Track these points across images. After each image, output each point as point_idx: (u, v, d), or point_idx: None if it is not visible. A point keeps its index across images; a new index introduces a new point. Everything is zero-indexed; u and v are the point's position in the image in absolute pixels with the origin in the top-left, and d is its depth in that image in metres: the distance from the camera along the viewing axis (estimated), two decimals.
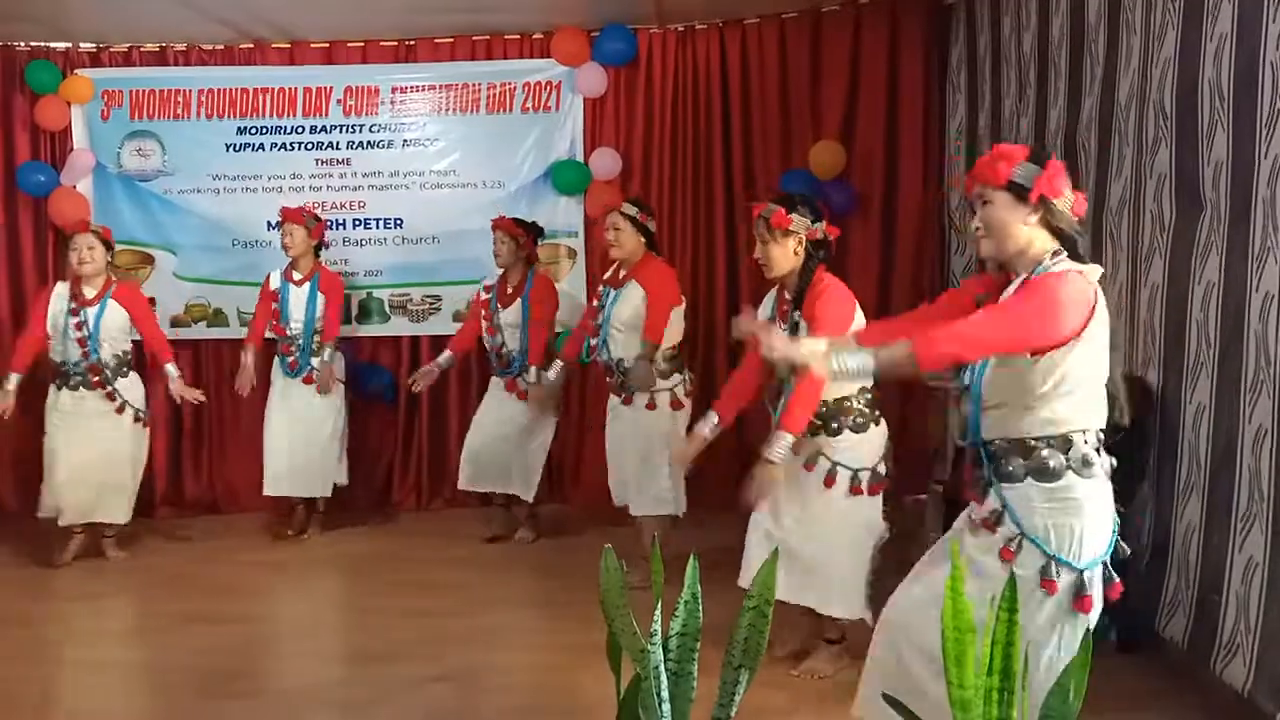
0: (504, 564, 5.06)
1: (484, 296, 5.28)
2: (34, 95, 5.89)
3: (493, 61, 6.01)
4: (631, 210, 4.49)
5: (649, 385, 4.39)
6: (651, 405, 4.41)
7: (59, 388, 4.99)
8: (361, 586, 4.87)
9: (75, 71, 5.91)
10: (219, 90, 5.96)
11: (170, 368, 5.10)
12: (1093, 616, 2.30)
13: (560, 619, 4.16)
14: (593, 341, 4.59)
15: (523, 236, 5.19)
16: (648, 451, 4.45)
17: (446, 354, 5.37)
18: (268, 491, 5.45)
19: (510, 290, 5.20)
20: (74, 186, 5.90)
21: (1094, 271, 2.30)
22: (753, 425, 5.74)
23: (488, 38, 6.00)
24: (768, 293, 3.63)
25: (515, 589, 4.76)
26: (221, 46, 5.98)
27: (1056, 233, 2.31)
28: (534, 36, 5.97)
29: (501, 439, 5.19)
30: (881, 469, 3.42)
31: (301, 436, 5.38)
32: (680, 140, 5.92)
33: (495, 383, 5.33)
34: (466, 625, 4.23)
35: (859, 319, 3.34)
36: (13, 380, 4.90)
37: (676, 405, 4.49)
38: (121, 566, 5.11)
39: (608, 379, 4.58)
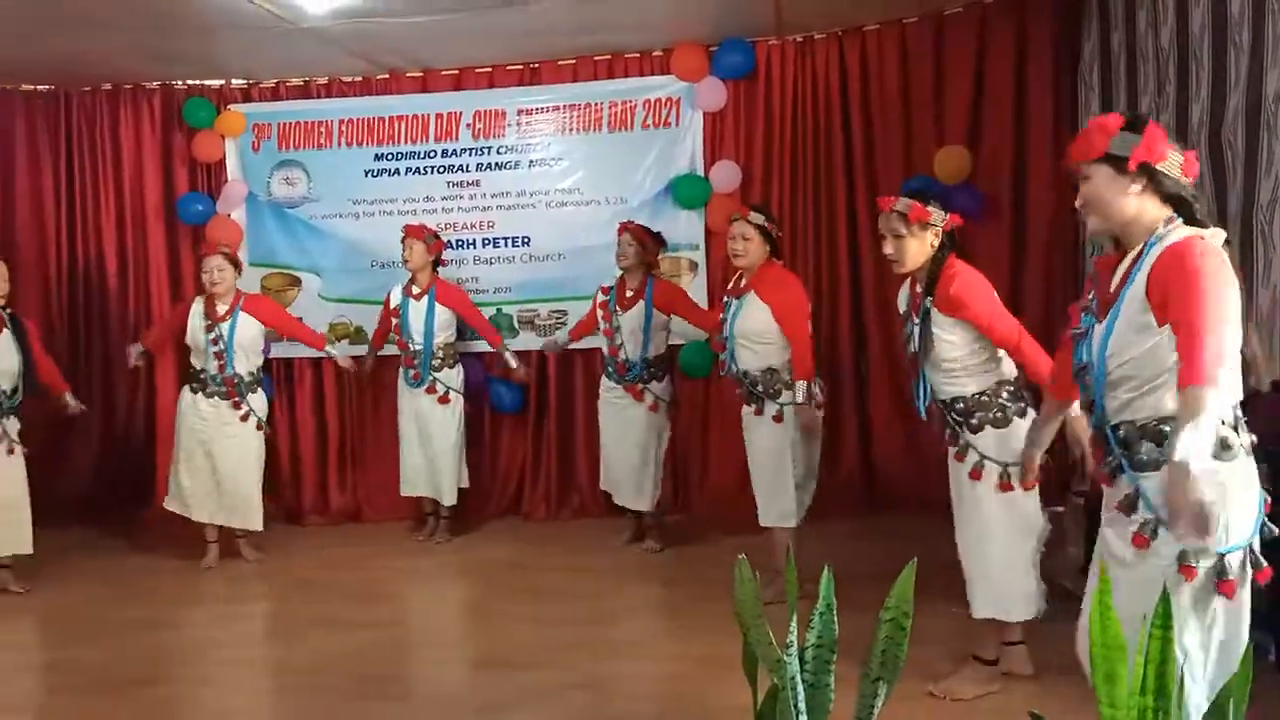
0: (632, 573, 5.12)
1: (602, 299, 5.38)
2: (191, 130, 6.32)
3: (613, 80, 6.13)
4: (759, 219, 4.41)
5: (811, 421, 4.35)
6: (779, 418, 4.33)
7: (194, 392, 5.29)
8: (495, 593, 4.97)
9: (228, 107, 6.32)
10: (358, 120, 6.27)
11: (329, 349, 5.64)
12: (1243, 610, 2.18)
13: (690, 629, 4.19)
14: (721, 356, 4.55)
15: (649, 242, 5.29)
16: (775, 464, 4.39)
17: (566, 336, 5.68)
18: (404, 492, 5.72)
19: (630, 294, 5.28)
20: (229, 215, 6.30)
21: (1216, 235, 2.19)
22: (887, 443, 5.78)
23: (608, 57, 6.12)
24: (900, 288, 3.59)
25: (645, 598, 4.80)
26: (359, 78, 6.29)
27: (1170, 199, 2.22)
28: (653, 54, 6.07)
29: (618, 447, 5.31)
30: (1014, 471, 3.24)
31: (428, 445, 5.62)
32: (800, 150, 5.92)
33: (607, 390, 5.38)
34: (598, 634, 4.29)
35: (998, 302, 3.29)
36: (136, 349, 5.53)
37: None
38: (266, 572, 5.39)
39: (737, 390, 4.51)
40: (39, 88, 6.41)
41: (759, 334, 4.35)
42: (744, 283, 4.44)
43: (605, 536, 5.56)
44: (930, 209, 3.29)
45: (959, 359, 3.27)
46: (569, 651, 4.03)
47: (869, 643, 2.05)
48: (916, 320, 3.32)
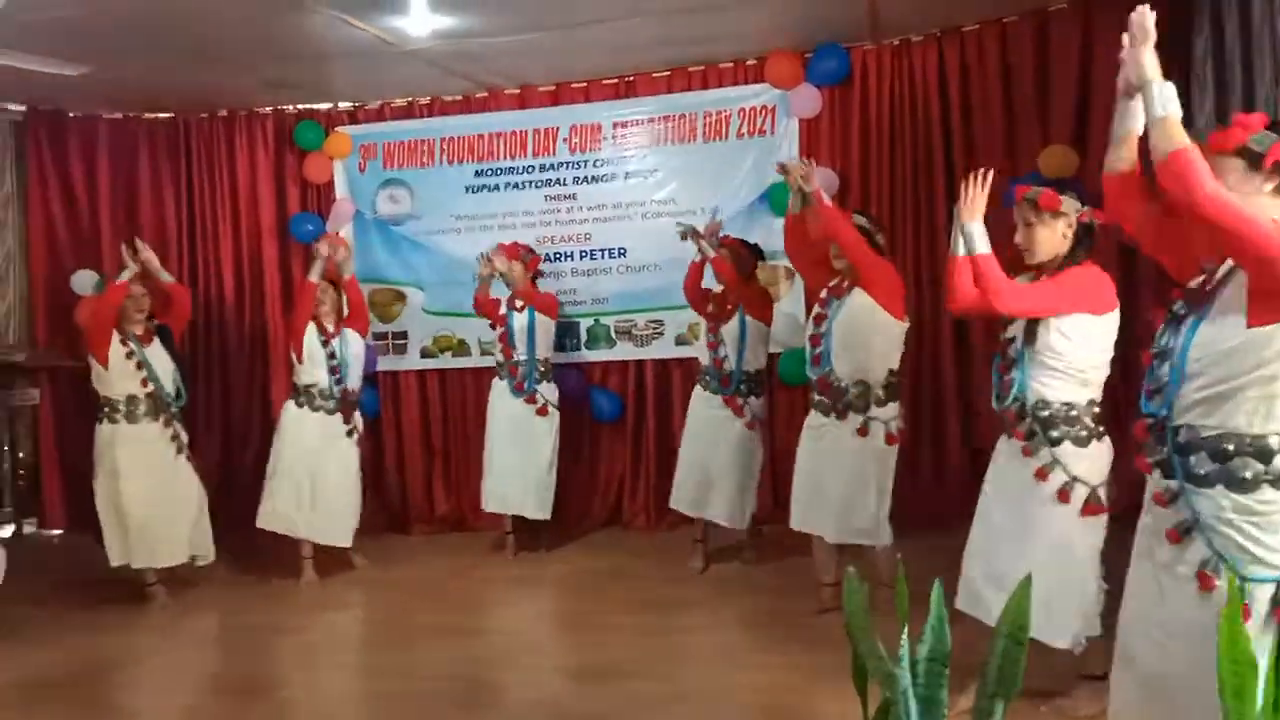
0: (731, 584, 5.11)
1: (707, 305, 5.35)
2: (302, 153, 6.59)
3: (708, 91, 6.15)
4: (860, 221, 4.33)
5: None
6: (863, 431, 4.21)
7: (300, 406, 5.44)
8: (596, 603, 5.00)
9: (336, 129, 6.56)
10: (459, 138, 6.44)
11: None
12: None
13: (791, 640, 4.17)
14: (815, 351, 4.35)
15: (744, 253, 5.28)
16: (856, 478, 4.25)
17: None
18: (486, 507, 5.76)
19: (729, 307, 5.28)
20: (337, 233, 6.53)
21: None
22: (977, 435, 5.64)
23: (703, 68, 6.15)
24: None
25: (744, 608, 4.78)
26: (460, 97, 6.46)
27: None
28: (747, 63, 6.07)
29: (709, 460, 5.24)
30: (1102, 492, 3.18)
31: (525, 458, 5.63)
32: (899, 155, 5.84)
33: (703, 400, 5.31)
34: (699, 643, 4.31)
35: (1113, 323, 3.18)
36: None
37: (891, 440, 4.25)
38: (374, 579, 5.53)
39: (817, 396, 4.37)
40: (161, 116, 6.77)
41: (858, 334, 4.23)
42: (846, 283, 4.32)
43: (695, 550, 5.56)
44: (1064, 197, 3.20)
45: (1062, 354, 3.15)
46: (671, 662, 4.06)
47: (974, 660, 2.02)
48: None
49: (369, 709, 3.96)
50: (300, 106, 6.61)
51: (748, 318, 5.18)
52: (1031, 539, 3.18)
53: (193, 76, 5.81)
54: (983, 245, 3.15)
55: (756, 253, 5.39)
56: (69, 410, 6.50)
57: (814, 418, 4.38)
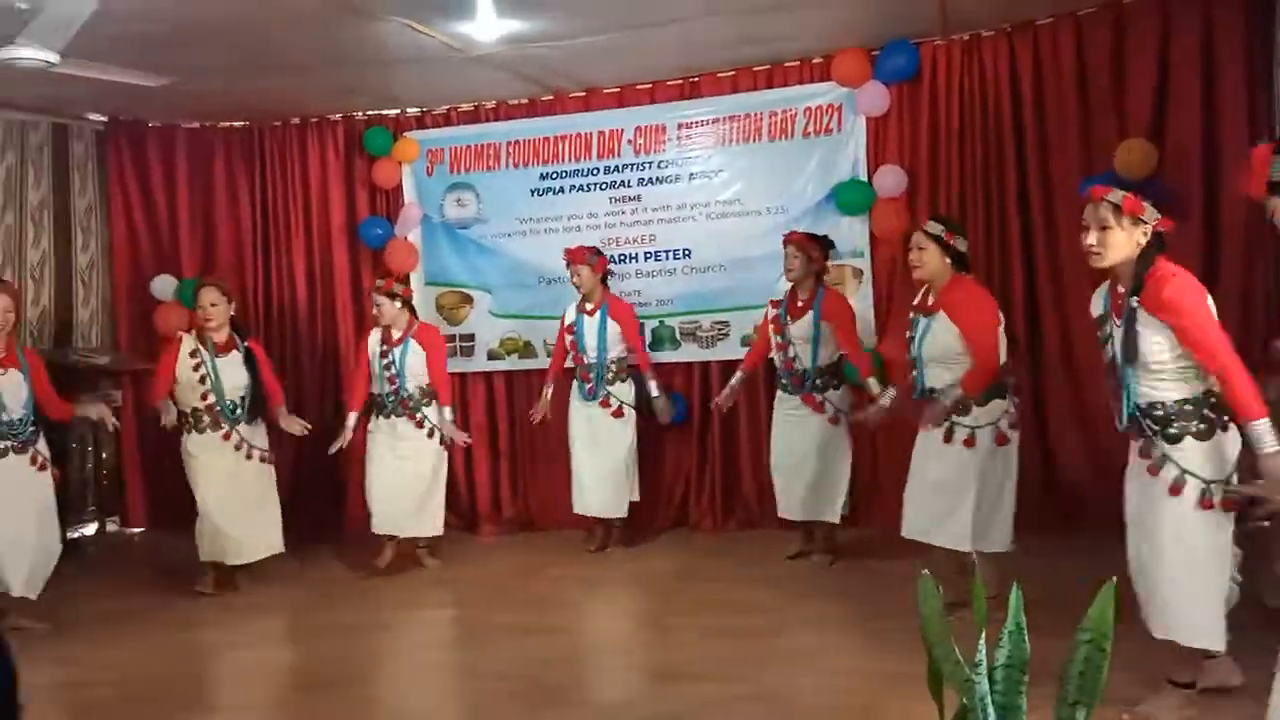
0: (803, 586, 5.07)
1: (773, 312, 5.36)
2: (371, 158, 6.69)
3: (773, 90, 6.11)
4: (936, 229, 4.24)
5: (942, 418, 4.16)
6: (970, 442, 4.12)
7: (376, 416, 5.61)
8: (666, 604, 5.01)
9: (404, 134, 6.66)
10: (524, 141, 6.49)
11: (446, 411, 5.60)
12: None
13: (864, 643, 4.13)
14: (913, 372, 4.36)
15: (815, 250, 5.24)
16: (960, 487, 4.18)
17: (739, 374, 5.51)
18: (577, 509, 5.84)
19: (800, 304, 5.25)
20: (406, 237, 6.63)
21: None
22: (1068, 455, 5.53)
23: (768, 67, 6.11)
24: (1095, 293, 3.43)
25: (816, 611, 4.75)
26: (525, 100, 6.51)
27: None
28: (813, 61, 6.02)
29: (797, 460, 5.24)
30: (1235, 482, 3.09)
31: (600, 459, 5.72)
32: (969, 152, 5.74)
33: (783, 402, 5.35)
34: (770, 646, 4.28)
35: (1213, 309, 3.10)
36: (352, 418, 5.60)
37: (1001, 440, 4.16)
38: (447, 579, 5.61)
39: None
40: (236, 124, 6.94)
41: (950, 355, 4.17)
42: (931, 300, 4.25)
43: (773, 548, 5.54)
44: (1146, 204, 3.14)
45: (1166, 361, 3.10)
46: (740, 663, 4.04)
47: (1053, 667, 1.98)
48: (1118, 323, 3.17)
49: (447, 706, 4.02)
50: (369, 113, 6.73)
51: (822, 322, 5.17)
52: (1154, 538, 3.15)
53: (267, 85, 5.95)
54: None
55: (827, 244, 5.34)
56: (149, 412, 6.69)
57: (927, 432, 4.30)
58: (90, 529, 6.60)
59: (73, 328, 6.65)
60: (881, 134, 5.93)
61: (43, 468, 4.92)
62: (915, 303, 4.38)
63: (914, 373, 4.33)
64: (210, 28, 4.69)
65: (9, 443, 4.76)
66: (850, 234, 5.94)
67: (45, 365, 5.07)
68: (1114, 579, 1.98)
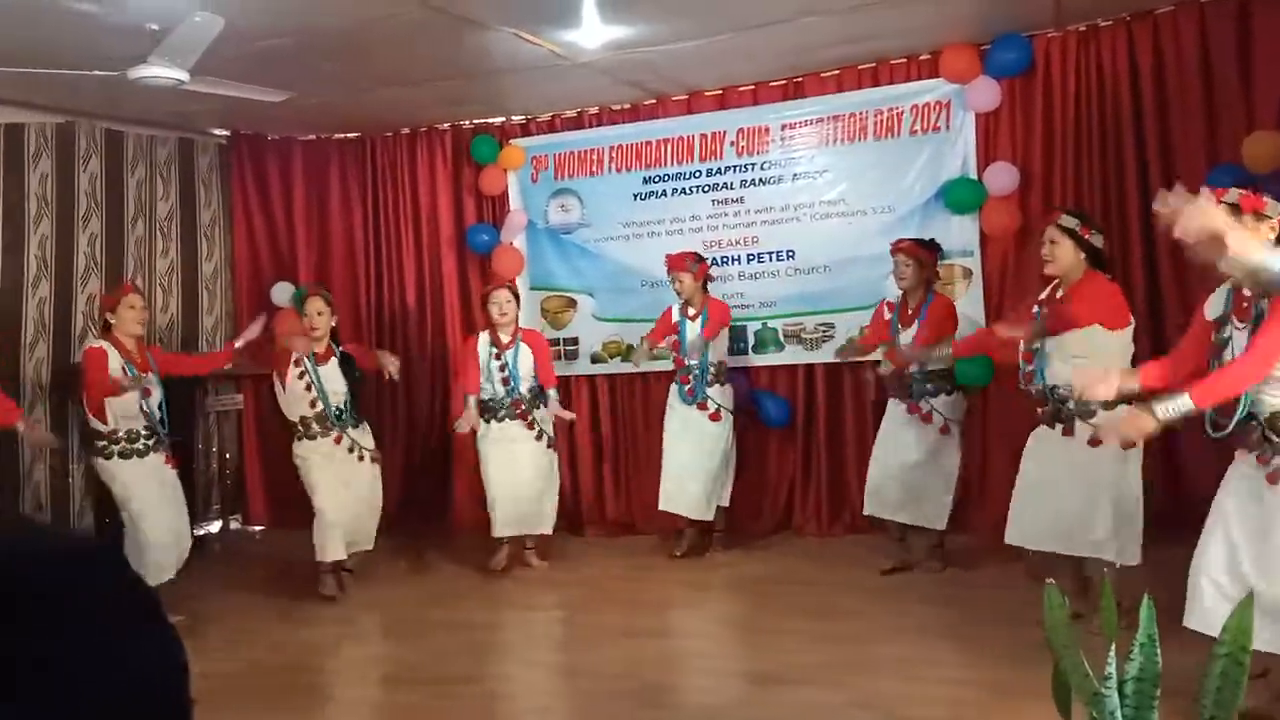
0: (907, 593, 4.98)
1: (886, 316, 5.28)
2: (478, 166, 6.83)
3: (879, 88, 6.02)
4: (1070, 222, 4.12)
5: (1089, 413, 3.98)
6: (1095, 442, 3.94)
7: (488, 421, 5.70)
8: (766, 608, 4.99)
9: (509, 142, 6.78)
10: (627, 145, 6.54)
11: (551, 392, 5.75)
12: None
13: (971, 653, 4.04)
14: (1028, 368, 4.23)
15: (925, 257, 5.16)
16: (1092, 490, 4.05)
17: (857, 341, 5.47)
18: (662, 506, 5.81)
19: (910, 311, 5.17)
20: (511, 243, 6.75)
21: None
22: (1195, 464, 5.30)
23: (873, 65, 6.02)
24: (1214, 292, 3.28)
25: (920, 619, 4.66)
26: (628, 105, 6.56)
27: None
28: (920, 58, 5.91)
29: (906, 466, 5.15)
30: None
31: (696, 461, 5.69)
32: (1085, 148, 5.55)
33: (893, 407, 5.29)
34: (873, 653, 4.22)
35: None
36: (472, 401, 5.69)
37: (1128, 444, 3.95)
38: (554, 579, 5.67)
39: (1040, 409, 4.22)
40: (349, 136, 7.18)
41: (1075, 350, 4.04)
42: (1060, 294, 4.14)
43: (880, 554, 5.45)
44: (1266, 199, 2.99)
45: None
46: (842, 670, 3.99)
47: (1181, 682, 1.91)
48: (1239, 325, 3.03)
49: (554, 706, 4.07)
50: (476, 121, 6.87)
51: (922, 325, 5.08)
52: (1268, 548, 3.03)
53: (379, 98, 6.13)
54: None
55: (935, 248, 5.24)
56: (269, 414, 6.96)
57: (1041, 432, 4.22)
58: (215, 526, 6.89)
59: (198, 333, 6.95)
60: (992, 130, 5.78)
61: (175, 464, 5.18)
62: (1043, 297, 4.26)
63: (1030, 367, 4.20)
64: (328, 44, 4.86)
65: (154, 439, 5.03)
66: (960, 233, 5.80)
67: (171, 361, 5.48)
68: (1251, 591, 1.90)
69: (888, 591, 5.02)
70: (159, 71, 4.29)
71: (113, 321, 5.02)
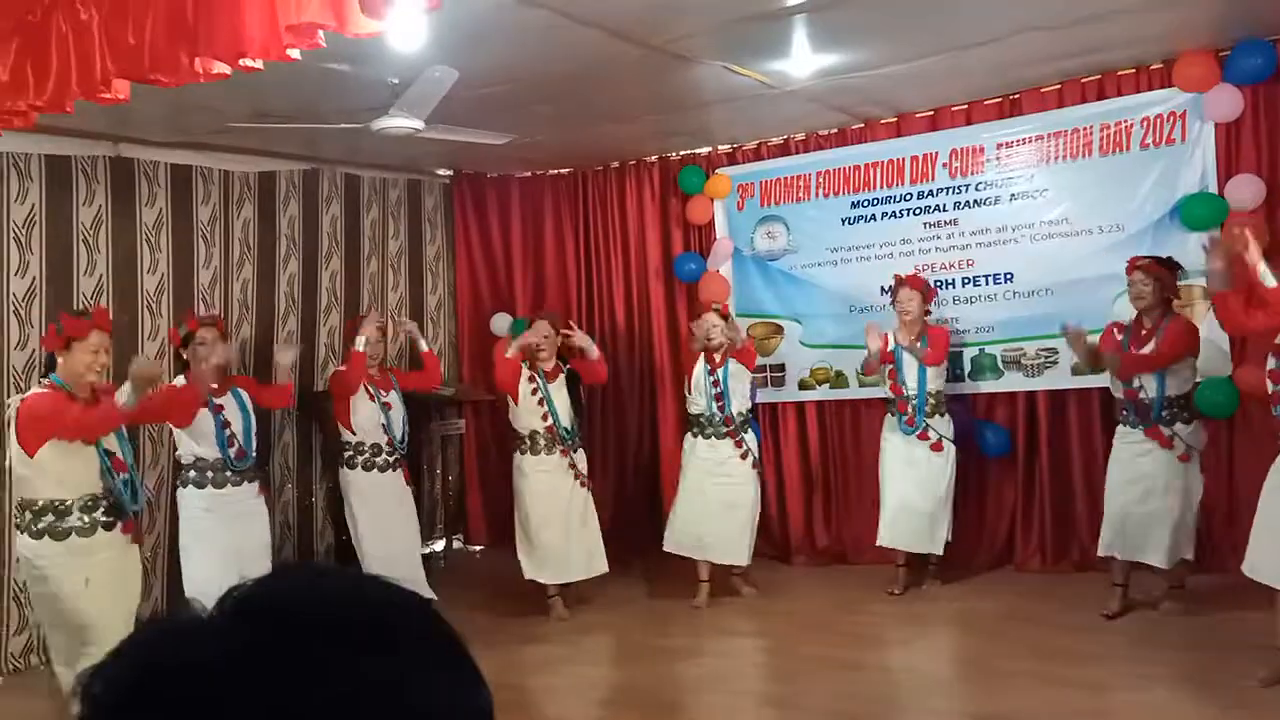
0: (1144, 635, 4.69)
1: (1117, 336, 5.01)
2: (685, 196, 6.96)
3: (1104, 101, 5.71)
4: None
5: None
6: None
7: (694, 436, 5.75)
8: (991, 647, 4.80)
9: (716, 171, 6.87)
10: (834, 170, 6.49)
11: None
12: None
13: (1223, 704, 3.75)
14: (1275, 388, 3.97)
15: (1165, 275, 4.88)
16: None
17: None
18: (881, 542, 5.69)
19: (1145, 331, 4.89)
20: (718, 271, 6.82)
21: None
22: None
23: (1098, 77, 5.72)
24: None
25: (1163, 664, 4.36)
26: (835, 130, 6.51)
27: None
28: (1150, 67, 5.58)
29: (1140, 499, 4.84)
30: None
31: (918, 493, 5.55)
32: None
33: (1124, 436, 4.97)
34: (1110, 702, 4.00)
35: None
36: None
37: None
38: (763, 608, 5.65)
39: None
40: (563, 171, 7.48)
41: None
42: None
43: (1112, 593, 5.13)
44: None
45: None
46: (1081, 716, 3.79)
47: None
48: None
49: None
50: (683, 153, 7.00)
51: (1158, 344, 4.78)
52: None
53: (592, 134, 6.37)
54: None
55: (1174, 266, 4.93)
56: (488, 438, 7.33)
57: None
58: (439, 545, 7.28)
59: (424, 363, 7.38)
60: (1234, 141, 5.38)
61: (410, 484, 5.54)
62: None
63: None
64: (548, 88, 5.09)
65: (395, 455, 5.40)
66: (1198, 252, 5.39)
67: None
68: None
69: (1125, 633, 4.74)
70: (399, 122, 4.62)
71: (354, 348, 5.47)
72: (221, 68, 2.70)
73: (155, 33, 2.64)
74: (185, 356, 4.77)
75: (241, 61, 2.61)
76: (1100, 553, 5.05)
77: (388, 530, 5.41)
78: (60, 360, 3.86)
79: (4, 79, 3.02)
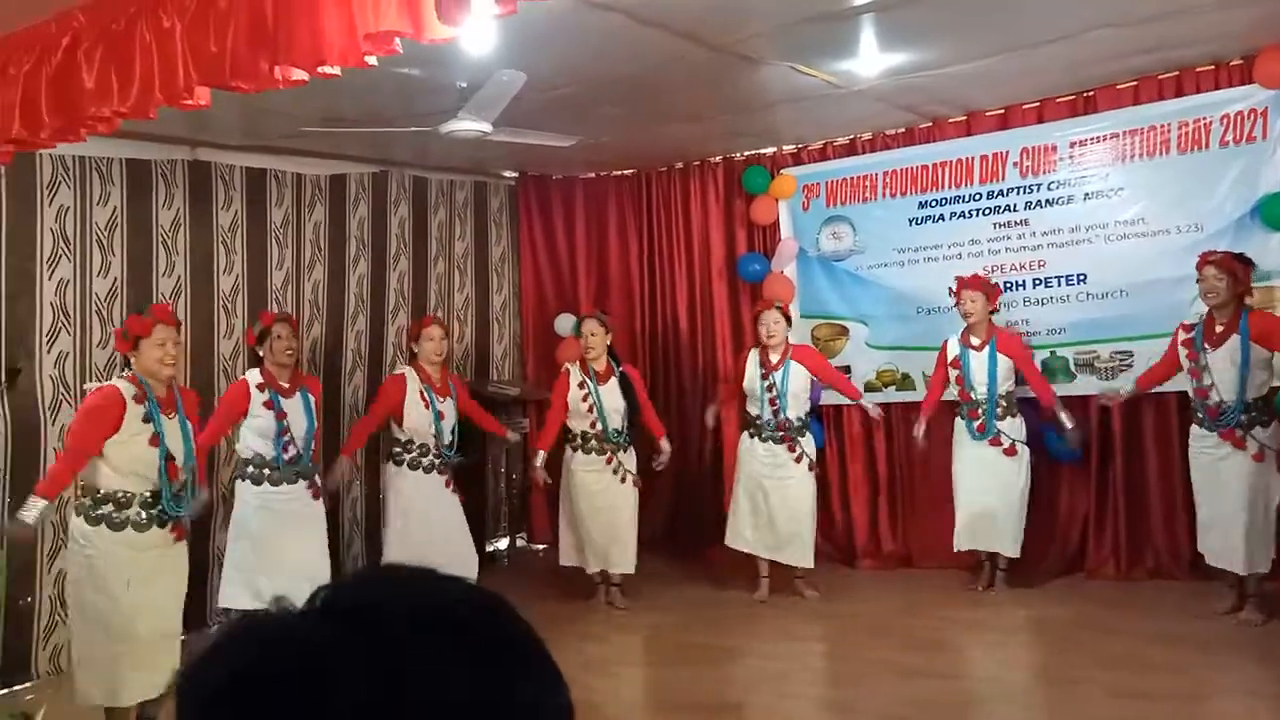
0: (1225, 647, 4.55)
1: (1184, 336, 4.90)
2: (749, 196, 6.93)
3: (1181, 99, 5.56)
4: None
5: None
6: None
7: (751, 437, 5.76)
8: (1062, 656, 4.72)
9: (781, 171, 6.83)
10: (901, 170, 6.41)
11: (865, 402, 5.94)
12: None
13: None
14: None
15: (1239, 270, 4.76)
16: None
17: (1129, 386, 5.21)
18: (958, 546, 5.63)
19: (1219, 330, 4.76)
20: (782, 271, 6.78)
21: None
22: None
23: (1176, 74, 5.58)
24: None
25: (1241, 676, 4.26)
26: (902, 130, 6.43)
27: None
28: (1230, 63, 5.42)
29: (1223, 504, 4.72)
30: None
31: (993, 496, 5.48)
32: None
33: (1199, 439, 4.86)
34: (1188, 712, 3.89)
35: None
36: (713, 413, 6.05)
37: None
38: (825, 610, 5.61)
39: None
40: (626, 172, 7.50)
41: None
42: None
43: (1189, 602, 5.02)
44: None
45: None
46: None
47: None
48: None
49: None
50: (747, 153, 6.97)
51: (1251, 343, 4.65)
52: None
53: (657, 135, 6.37)
54: None
55: (1248, 263, 4.82)
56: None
57: None
58: (503, 543, 7.35)
59: (489, 361, 7.47)
60: None
61: (454, 488, 5.58)
62: None
63: None
64: (614, 89, 5.11)
65: (439, 462, 5.46)
66: (1279, 251, 5.26)
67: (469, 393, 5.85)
68: None
69: (1202, 644, 4.60)
70: (467, 125, 4.68)
71: (416, 350, 5.55)
72: (300, 74, 2.76)
73: (236, 40, 2.71)
74: (260, 353, 4.91)
75: (320, 69, 2.66)
76: (1209, 561, 4.95)
77: (428, 528, 5.40)
78: (133, 360, 3.97)
79: (90, 86, 3.12)
